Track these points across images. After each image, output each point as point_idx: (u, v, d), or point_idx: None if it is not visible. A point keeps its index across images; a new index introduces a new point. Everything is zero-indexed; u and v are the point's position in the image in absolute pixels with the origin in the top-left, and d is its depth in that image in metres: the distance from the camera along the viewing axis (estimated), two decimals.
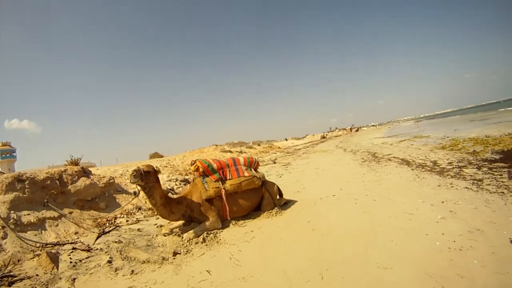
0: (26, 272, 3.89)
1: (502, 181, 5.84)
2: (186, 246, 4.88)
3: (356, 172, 9.71)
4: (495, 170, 6.85)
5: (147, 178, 4.97)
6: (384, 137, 31.19)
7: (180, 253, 4.59)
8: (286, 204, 6.63)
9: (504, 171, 6.56)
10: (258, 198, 6.31)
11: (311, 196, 7.18)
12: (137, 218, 6.70)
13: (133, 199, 6.05)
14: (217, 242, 4.95)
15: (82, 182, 6.83)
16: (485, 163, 7.77)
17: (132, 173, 4.80)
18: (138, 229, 5.90)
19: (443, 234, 3.94)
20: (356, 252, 3.84)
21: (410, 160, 10.34)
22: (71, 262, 4.31)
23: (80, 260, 4.39)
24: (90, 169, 9.11)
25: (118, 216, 6.77)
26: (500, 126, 18.08)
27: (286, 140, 61.67)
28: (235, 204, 5.94)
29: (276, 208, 6.24)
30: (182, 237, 5.16)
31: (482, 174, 6.69)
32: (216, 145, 33.57)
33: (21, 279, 3.71)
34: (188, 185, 9.74)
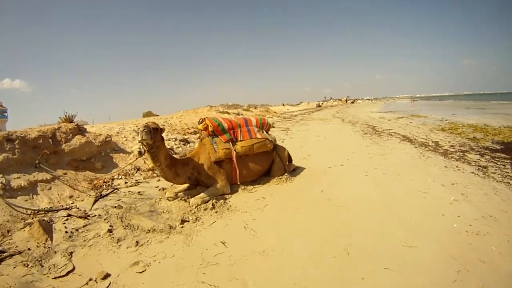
0: (16, 246, 3.36)
1: (506, 171, 5.91)
2: (195, 213, 4.46)
3: (360, 144, 9.74)
4: (497, 159, 6.94)
5: (154, 136, 4.47)
6: (381, 112, 31.66)
7: (188, 221, 4.17)
8: (294, 171, 6.44)
9: (507, 162, 6.64)
10: (269, 163, 6.03)
11: (319, 164, 7.02)
12: (136, 180, 6.20)
13: (136, 159, 5.58)
14: (228, 209, 4.62)
15: (77, 140, 6.25)
16: (487, 151, 7.85)
17: (144, 129, 4.30)
18: (139, 192, 5.42)
19: (458, 216, 3.94)
20: (377, 227, 3.75)
21: (412, 138, 10.41)
22: (66, 232, 3.80)
23: (77, 229, 3.89)
24: (86, 127, 8.53)
25: (115, 177, 6.27)
26: (498, 117, 18.24)
27: (284, 105, 61.22)
28: (245, 168, 5.57)
29: (286, 174, 6.00)
30: (189, 202, 4.73)
31: (486, 161, 6.78)
32: (211, 106, 32.87)
33: (11, 255, 3.17)
34: (190, 145, 9.25)
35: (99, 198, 5.06)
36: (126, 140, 8.23)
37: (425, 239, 3.39)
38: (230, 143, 5.48)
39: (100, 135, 7.17)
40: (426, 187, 5.03)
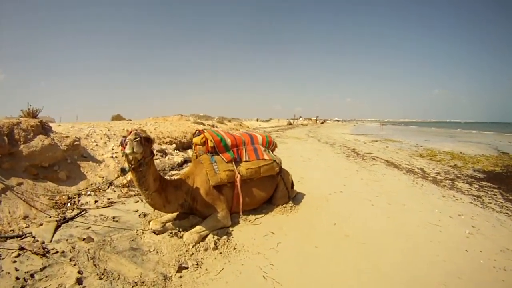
0: None
1: (500, 201, 6.01)
2: (193, 254, 3.45)
3: (349, 168, 9.52)
4: (486, 188, 7.09)
5: (144, 149, 3.40)
6: (353, 134, 32.11)
7: (187, 267, 3.16)
8: (295, 197, 5.71)
9: (496, 192, 6.78)
10: (273, 188, 5.18)
11: (316, 189, 6.44)
12: (109, 199, 5.09)
13: (117, 177, 4.48)
14: (234, 248, 3.69)
15: (39, 141, 5.06)
16: (473, 179, 7.99)
17: (135, 138, 3.23)
18: (113, 217, 4.32)
19: (480, 251, 3.82)
20: (412, 271, 3.37)
21: (396, 164, 10.39)
22: (18, 278, 2.65)
23: (32, 275, 2.72)
24: (52, 124, 7.23)
25: (83, 192, 5.11)
26: (471, 145, 18.66)
27: (257, 120, 60.88)
28: (248, 194, 4.65)
29: (290, 202, 5.26)
30: (183, 238, 3.72)
31: (477, 190, 6.86)
32: (181, 115, 31.57)
33: None
34: (168, 158, 8.16)
35: (62, 223, 3.94)
36: (96, 145, 7.04)
37: (461, 280, 3.18)
38: (233, 163, 4.55)
39: (67, 137, 5.97)
40: (436, 219, 4.86)
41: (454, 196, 6.23)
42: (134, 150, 3.19)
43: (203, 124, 20.90)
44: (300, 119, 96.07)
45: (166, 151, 9.15)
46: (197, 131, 4.81)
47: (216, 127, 24.07)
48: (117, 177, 4.50)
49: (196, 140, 4.69)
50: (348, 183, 7.22)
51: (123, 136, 3.35)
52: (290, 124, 63.01)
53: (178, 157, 8.74)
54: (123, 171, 3.52)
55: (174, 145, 10.69)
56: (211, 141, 4.50)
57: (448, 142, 21.03)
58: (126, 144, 3.22)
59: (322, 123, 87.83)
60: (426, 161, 11.25)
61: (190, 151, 10.40)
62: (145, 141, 3.38)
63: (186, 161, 8.91)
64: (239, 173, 4.46)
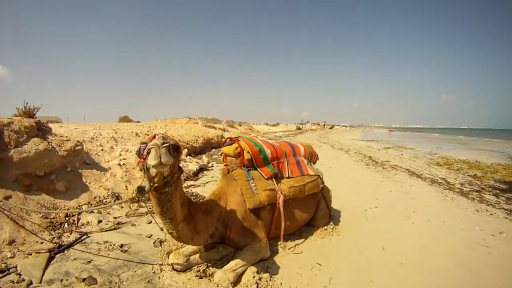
0: None
1: None
2: None
3: (373, 178, 8.98)
4: None
5: (174, 162, 2.37)
6: (363, 140, 31.61)
7: None
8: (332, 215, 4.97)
9: None
10: (315, 208, 4.32)
11: (349, 204, 5.83)
12: (115, 218, 4.19)
13: (131, 201, 3.53)
14: None
15: (33, 145, 4.21)
16: (497, 191, 7.69)
17: (163, 144, 2.18)
18: (121, 246, 3.42)
19: None
20: None
21: (418, 173, 9.98)
22: None
23: None
24: (54, 125, 6.38)
25: (83, 208, 4.26)
26: (484, 153, 18.30)
27: (267, 124, 60.45)
28: (289, 217, 3.76)
29: (331, 222, 4.50)
30: (214, 278, 2.86)
31: (505, 203, 6.53)
32: (189, 118, 30.88)
33: None
34: (182, 165, 7.28)
35: (56, 253, 3.05)
36: (102, 150, 6.18)
37: None
38: (274, 180, 3.65)
39: (68, 140, 5.10)
40: (480, 238, 4.52)
41: (487, 210, 5.92)
42: (163, 161, 2.15)
43: (214, 128, 20.07)
44: (308, 124, 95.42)
45: (182, 158, 8.29)
46: (228, 139, 3.90)
47: (227, 131, 23.25)
48: (131, 201, 3.53)
49: (227, 150, 3.77)
50: (379, 196, 6.70)
51: (143, 143, 2.35)
52: (299, 129, 62.36)
53: (192, 165, 7.84)
54: (141, 191, 2.32)
55: (186, 150, 9.84)
56: (248, 152, 3.59)
57: (460, 150, 20.80)
58: (148, 153, 2.21)
59: (331, 128, 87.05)
60: (445, 170, 10.91)
61: (204, 157, 9.50)
62: (174, 151, 2.36)
63: (201, 169, 8.02)
64: (281, 192, 3.58)
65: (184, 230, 2.73)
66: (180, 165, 2.62)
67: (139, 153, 2.36)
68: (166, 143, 2.19)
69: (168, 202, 2.48)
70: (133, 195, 2.48)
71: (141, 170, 2.29)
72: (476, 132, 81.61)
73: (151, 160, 2.15)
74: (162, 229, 2.74)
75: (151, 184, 2.30)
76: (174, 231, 2.67)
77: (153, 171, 2.26)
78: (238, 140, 3.71)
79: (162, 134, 2.29)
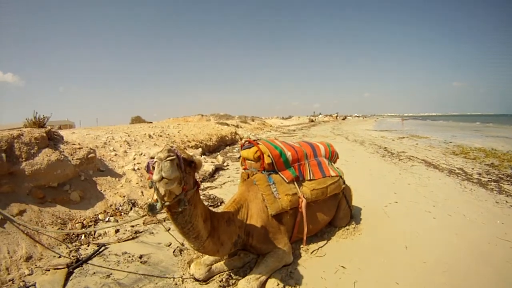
0: None
1: None
2: None
3: (390, 171, 8.86)
4: None
5: (185, 177, 2.20)
6: (376, 130, 31.38)
7: None
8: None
9: None
10: (335, 208, 4.16)
11: (368, 199, 5.72)
12: (132, 227, 4.07)
13: (142, 217, 3.36)
14: None
15: (45, 157, 4.13)
16: None
17: (168, 157, 1.99)
18: (141, 257, 3.29)
19: None
20: None
21: (435, 164, 9.79)
22: None
23: None
24: (65, 132, 6.33)
25: (99, 217, 4.17)
26: (499, 140, 17.99)
27: (282, 118, 60.41)
28: (311, 220, 3.60)
29: (352, 222, 4.38)
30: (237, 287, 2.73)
31: None
32: (202, 115, 30.94)
33: None
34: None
35: (75, 268, 2.94)
36: (115, 155, 6.10)
37: None
38: (296, 183, 3.49)
39: (79, 148, 5.03)
40: (502, 232, 4.36)
41: (506, 201, 5.75)
42: (164, 175, 1.96)
43: (227, 125, 19.99)
44: (320, 115, 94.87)
45: (194, 157, 8.19)
46: (247, 142, 3.73)
47: (241, 127, 23.14)
48: (143, 217, 3.37)
49: (247, 154, 3.62)
50: (398, 190, 6.60)
51: (151, 158, 2.13)
52: (312, 121, 61.96)
53: (208, 165, 7.71)
54: (152, 210, 2.16)
55: (200, 149, 9.74)
56: (268, 156, 3.42)
57: (475, 138, 20.17)
58: (153, 168, 2.03)
59: (343, 119, 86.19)
60: (461, 159, 10.66)
61: (219, 157, 9.36)
62: (186, 165, 2.21)
63: (217, 169, 7.89)
64: (303, 195, 3.42)
65: (209, 246, 2.61)
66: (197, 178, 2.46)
67: (148, 169, 2.18)
68: (171, 156, 2.00)
69: (188, 223, 2.35)
70: (144, 213, 2.33)
71: (150, 188, 2.15)
72: (491, 119, 79.88)
73: (154, 175, 1.98)
74: (183, 245, 2.61)
75: (162, 202, 2.14)
76: (200, 248, 2.55)
77: (162, 190, 2.08)
78: (258, 144, 3.54)
79: (170, 146, 2.12)
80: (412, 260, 3.56)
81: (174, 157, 2.01)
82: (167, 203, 2.14)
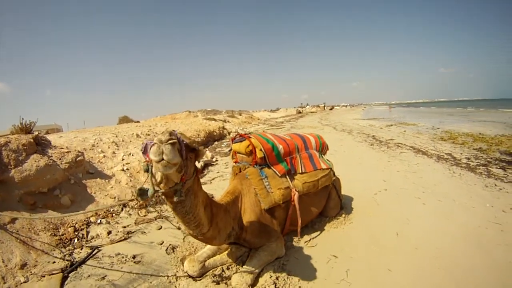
0: None
1: None
2: None
3: (379, 158, 8.95)
4: None
5: (186, 164, 2.02)
6: (365, 119, 31.35)
7: None
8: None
9: None
10: (326, 199, 4.24)
11: (358, 188, 5.77)
12: (124, 227, 4.12)
13: (138, 201, 3.43)
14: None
15: (33, 163, 4.14)
16: (504, 164, 7.56)
17: (168, 141, 1.80)
18: (134, 256, 3.36)
19: None
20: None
21: (423, 150, 9.93)
22: None
23: None
24: (53, 136, 6.29)
25: (91, 219, 4.20)
26: (487, 125, 18.04)
27: (270, 111, 60.29)
28: (303, 212, 3.64)
29: (342, 211, 4.45)
30: (231, 282, 2.82)
31: None
32: (189, 112, 30.76)
33: None
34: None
35: (70, 271, 2.99)
36: (104, 156, 6.10)
37: None
38: (287, 177, 3.57)
39: (68, 152, 5.03)
40: (492, 215, 4.45)
41: (495, 185, 5.82)
42: (165, 158, 1.78)
43: (215, 120, 19.94)
44: (308, 106, 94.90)
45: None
46: (238, 136, 3.79)
47: (228, 121, 23.12)
48: (138, 201, 3.25)
49: (238, 147, 3.65)
50: (387, 177, 6.67)
51: (150, 141, 1.94)
52: (300, 112, 61.88)
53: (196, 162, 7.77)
54: (142, 195, 2.02)
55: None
56: (260, 150, 3.48)
57: (463, 123, 20.41)
58: (151, 148, 1.84)
59: (331, 109, 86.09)
60: (450, 145, 10.79)
61: (208, 152, 9.39)
62: (188, 151, 2.03)
63: (206, 165, 7.95)
64: (295, 189, 3.50)
65: (209, 233, 2.58)
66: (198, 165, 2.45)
67: (144, 151, 1.97)
68: (173, 139, 1.82)
69: (190, 213, 2.27)
70: (133, 197, 2.29)
71: (145, 172, 1.98)
72: (478, 103, 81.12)
73: (152, 155, 1.81)
74: (179, 228, 2.63)
75: (154, 188, 1.98)
76: (199, 235, 2.52)
77: (158, 174, 1.94)
78: (249, 137, 3.60)
79: (172, 130, 1.92)
80: (403, 246, 3.63)
81: (175, 140, 1.85)
82: (161, 191, 2.01)
